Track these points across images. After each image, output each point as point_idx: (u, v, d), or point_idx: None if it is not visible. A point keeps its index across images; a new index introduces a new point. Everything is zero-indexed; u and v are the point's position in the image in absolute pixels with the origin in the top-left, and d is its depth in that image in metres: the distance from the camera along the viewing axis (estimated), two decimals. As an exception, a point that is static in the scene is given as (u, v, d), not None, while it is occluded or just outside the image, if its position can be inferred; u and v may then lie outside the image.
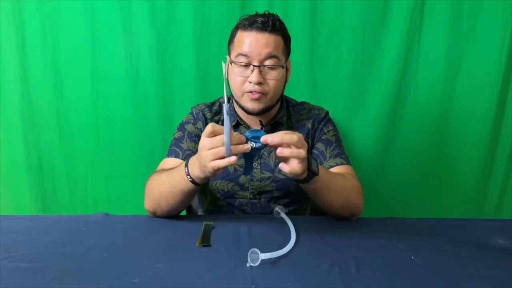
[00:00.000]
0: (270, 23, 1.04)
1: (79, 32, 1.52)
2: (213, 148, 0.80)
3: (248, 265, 0.74)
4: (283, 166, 0.82)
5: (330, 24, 1.54)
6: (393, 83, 1.58)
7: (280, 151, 0.81)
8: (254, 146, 0.82)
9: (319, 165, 0.90)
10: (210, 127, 0.81)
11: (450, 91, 1.59)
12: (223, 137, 0.78)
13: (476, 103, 1.59)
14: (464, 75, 1.57)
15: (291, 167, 0.81)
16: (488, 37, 1.54)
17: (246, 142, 0.82)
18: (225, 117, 0.78)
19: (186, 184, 0.91)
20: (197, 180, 0.89)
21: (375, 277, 0.72)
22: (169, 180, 0.95)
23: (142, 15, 1.52)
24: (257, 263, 0.74)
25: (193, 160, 0.89)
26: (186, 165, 0.90)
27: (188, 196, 0.96)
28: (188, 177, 0.89)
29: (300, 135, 0.83)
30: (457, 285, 0.72)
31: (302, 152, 0.81)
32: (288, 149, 0.81)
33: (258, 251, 0.74)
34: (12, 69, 1.53)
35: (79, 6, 1.50)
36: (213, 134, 0.81)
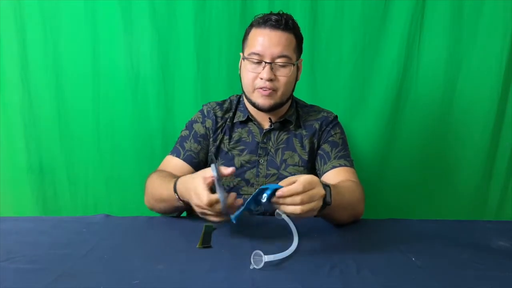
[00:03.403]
0: (283, 21, 1.07)
1: (80, 33, 1.53)
2: (212, 211, 0.83)
3: (251, 267, 0.74)
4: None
5: (331, 25, 1.54)
6: (393, 84, 1.58)
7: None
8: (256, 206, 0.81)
9: (331, 190, 0.87)
10: (207, 201, 0.80)
11: (450, 92, 1.59)
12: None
13: (476, 105, 1.59)
14: (464, 76, 1.57)
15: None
16: (488, 38, 1.54)
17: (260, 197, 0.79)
18: (218, 190, 0.80)
19: (180, 204, 0.95)
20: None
21: (375, 279, 0.72)
22: (161, 194, 0.98)
23: (143, 16, 1.52)
24: (261, 265, 0.73)
25: (180, 190, 0.91)
26: (175, 191, 0.93)
27: (182, 209, 1.01)
28: (181, 201, 0.94)
29: (303, 178, 0.79)
30: (458, 286, 0.71)
31: (318, 194, 0.80)
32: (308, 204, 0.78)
33: (261, 253, 0.74)
34: (13, 71, 1.54)
35: (80, 7, 1.51)
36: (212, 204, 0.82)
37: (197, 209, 0.85)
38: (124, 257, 0.79)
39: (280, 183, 0.79)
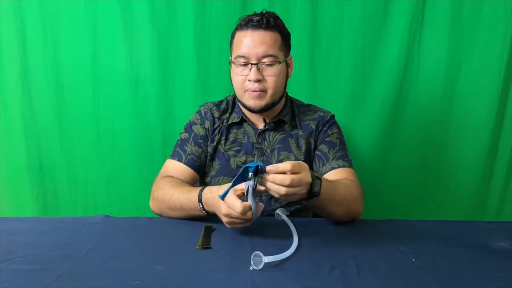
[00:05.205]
0: (265, 21, 1.06)
1: (80, 33, 1.53)
2: (243, 218, 0.84)
3: (251, 268, 0.74)
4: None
5: (331, 25, 1.54)
6: (393, 85, 1.58)
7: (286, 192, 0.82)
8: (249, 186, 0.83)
9: (322, 182, 0.89)
10: (241, 209, 0.82)
11: (450, 92, 1.59)
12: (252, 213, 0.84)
13: (476, 105, 1.58)
14: (464, 77, 1.57)
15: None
16: (488, 39, 1.54)
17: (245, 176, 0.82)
18: (251, 198, 0.82)
19: (201, 214, 0.98)
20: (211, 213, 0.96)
21: (376, 279, 0.72)
22: (180, 204, 0.99)
23: (143, 17, 1.52)
24: (261, 266, 0.74)
25: (208, 200, 0.93)
26: (200, 201, 0.95)
27: (198, 217, 1.00)
28: (204, 211, 0.96)
29: (293, 161, 0.83)
30: (458, 286, 0.71)
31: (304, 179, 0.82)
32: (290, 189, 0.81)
33: (261, 254, 0.74)
34: (13, 71, 1.54)
35: (80, 7, 1.51)
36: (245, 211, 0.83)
37: (225, 219, 0.87)
38: (124, 257, 0.79)
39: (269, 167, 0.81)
